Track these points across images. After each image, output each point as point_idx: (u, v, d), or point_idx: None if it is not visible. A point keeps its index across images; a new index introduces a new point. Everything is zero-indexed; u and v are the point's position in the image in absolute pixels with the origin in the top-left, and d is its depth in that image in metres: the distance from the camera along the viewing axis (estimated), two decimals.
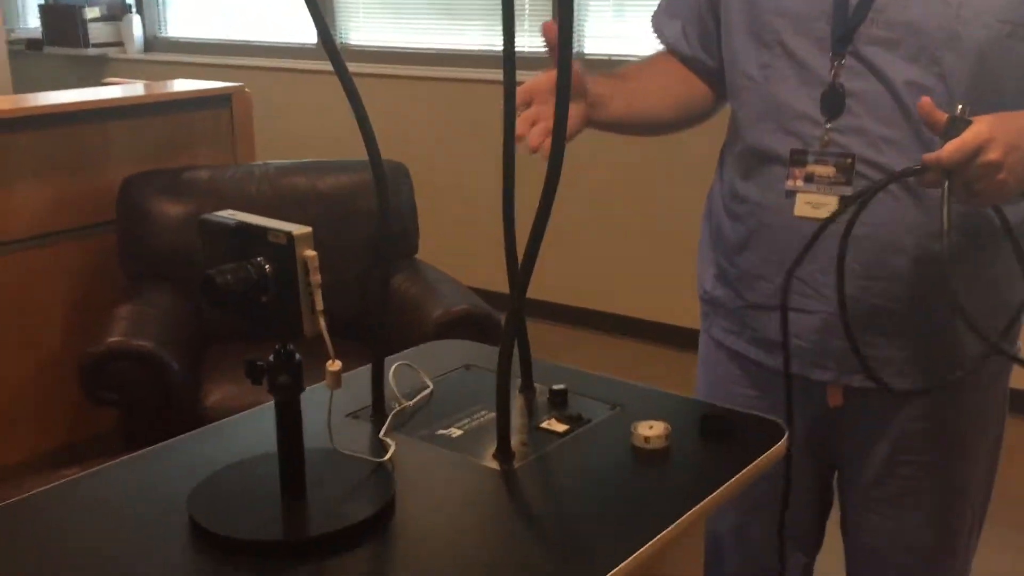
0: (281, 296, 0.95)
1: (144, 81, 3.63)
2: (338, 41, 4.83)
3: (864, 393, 1.41)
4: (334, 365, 0.97)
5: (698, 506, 1.05)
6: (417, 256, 3.06)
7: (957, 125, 1.16)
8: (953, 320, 1.34)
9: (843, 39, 1.32)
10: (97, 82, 3.92)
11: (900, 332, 1.37)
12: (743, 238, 1.46)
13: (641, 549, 0.96)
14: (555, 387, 1.29)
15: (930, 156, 1.17)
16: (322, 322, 0.95)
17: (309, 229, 0.93)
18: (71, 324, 2.91)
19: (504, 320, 1.15)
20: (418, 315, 2.66)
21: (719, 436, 1.20)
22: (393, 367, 1.36)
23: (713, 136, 1.61)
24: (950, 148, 1.15)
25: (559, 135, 1.02)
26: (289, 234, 0.93)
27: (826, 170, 1.34)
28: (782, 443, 1.21)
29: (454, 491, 1.08)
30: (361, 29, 4.82)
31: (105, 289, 2.88)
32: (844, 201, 1.32)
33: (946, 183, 1.17)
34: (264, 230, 0.95)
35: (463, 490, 1.08)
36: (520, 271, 1.11)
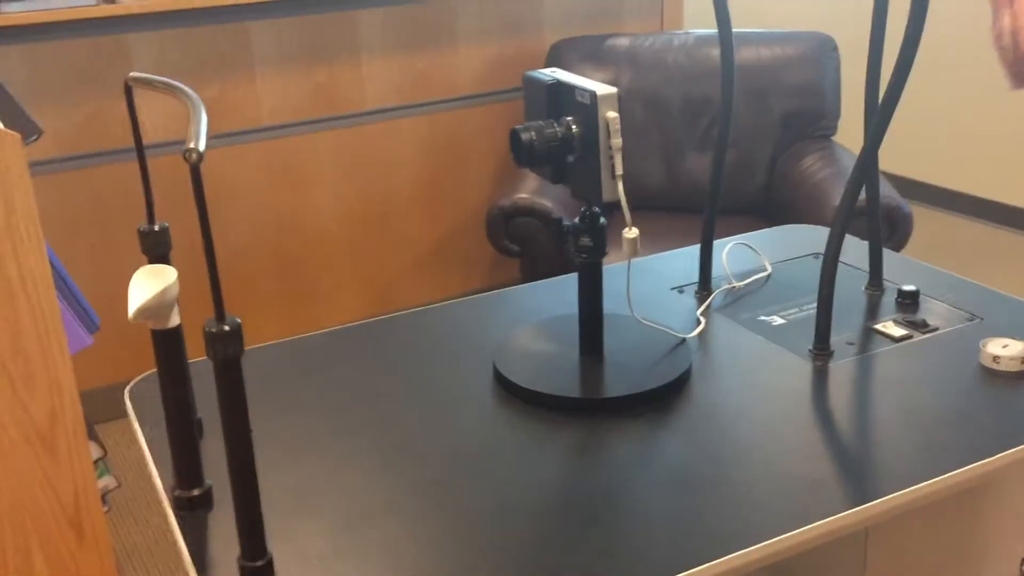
0: (585, 157, 0.94)
1: None
2: None
3: None
4: (631, 232, 0.95)
5: None
6: (836, 138, 2.86)
7: None
8: None
9: None
10: None
11: None
12: None
13: (940, 477, 0.84)
14: (905, 287, 1.15)
15: None
16: (620, 187, 0.92)
17: (614, 90, 0.91)
18: (493, 179, 3.15)
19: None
20: (819, 200, 2.50)
21: None
22: (730, 246, 1.30)
23: None
24: None
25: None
26: (593, 93, 0.91)
27: None
28: None
29: (754, 379, 1.02)
30: None
31: None
32: None
33: None
34: (574, 89, 0.94)
35: (764, 380, 1.02)
36: (870, 140, 1.00)
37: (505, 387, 1.02)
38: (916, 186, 3.88)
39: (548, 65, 3.02)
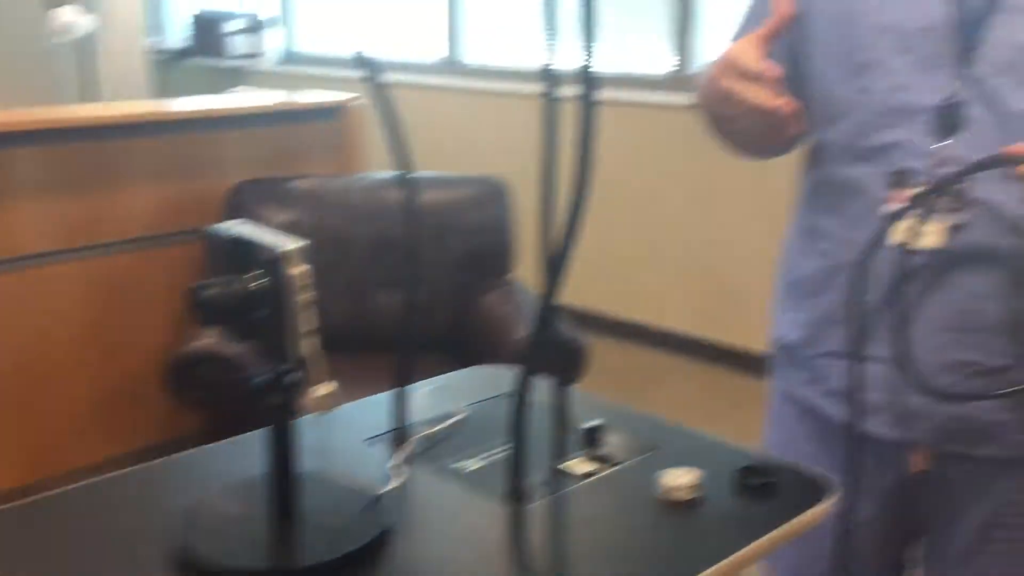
0: (273, 314, 0.91)
1: (263, 90, 3.73)
2: (459, 59, 4.86)
3: (954, 458, 1.28)
4: (323, 389, 0.92)
5: (715, 567, 0.95)
6: (514, 274, 3.02)
7: None
8: None
9: (955, 58, 1.20)
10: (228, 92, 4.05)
11: (1000, 388, 1.23)
12: (824, 277, 1.35)
13: None
14: (588, 423, 1.21)
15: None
16: (311, 343, 0.90)
17: (302, 244, 0.89)
18: (172, 325, 3.00)
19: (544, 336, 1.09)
20: (503, 336, 2.61)
21: (758, 490, 1.10)
22: (425, 390, 1.31)
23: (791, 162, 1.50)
24: None
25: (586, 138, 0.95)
26: (279, 248, 0.89)
27: None
28: (829, 502, 1.10)
29: (454, 529, 1.01)
30: (487, 47, 4.83)
31: None
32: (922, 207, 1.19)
33: None
34: (258, 244, 0.92)
35: (463, 529, 1.01)
36: (547, 295, 1.05)
37: (190, 564, 0.94)
38: (587, 316, 4.17)
39: (230, 206, 2.96)
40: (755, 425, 1.53)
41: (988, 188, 1.18)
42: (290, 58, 5.75)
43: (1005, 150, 1.11)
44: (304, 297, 0.89)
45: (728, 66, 1.26)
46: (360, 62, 1.06)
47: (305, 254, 0.89)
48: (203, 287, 0.90)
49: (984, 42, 1.18)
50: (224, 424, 2.54)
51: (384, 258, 2.91)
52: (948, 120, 1.21)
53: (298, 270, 0.89)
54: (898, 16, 1.24)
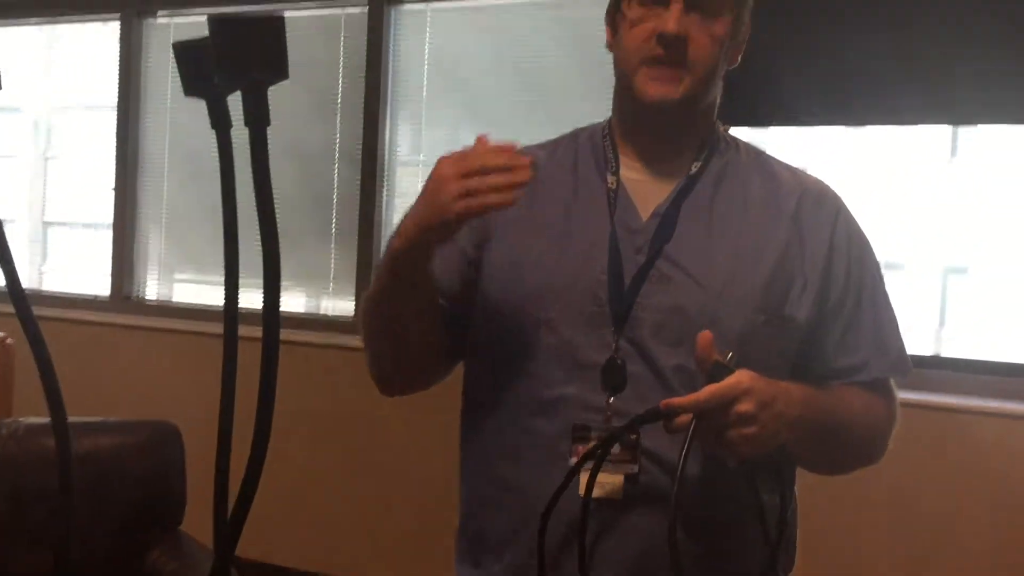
0: None
1: None
2: (134, 294, 4.65)
3: None
4: None
5: None
6: (183, 527, 2.77)
7: (720, 371, 1.18)
8: None
9: (614, 320, 1.30)
10: None
11: None
12: (513, 528, 1.34)
13: None
14: None
15: (681, 399, 1.17)
16: None
17: None
18: None
19: None
20: None
21: None
22: None
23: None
24: (707, 391, 1.16)
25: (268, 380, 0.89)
26: None
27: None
28: None
29: None
30: (164, 283, 4.67)
31: None
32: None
33: (692, 424, 1.16)
34: None
35: None
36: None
37: None
38: (264, 569, 3.89)
39: None
40: None
41: (654, 439, 1.26)
42: None
43: (663, 403, 1.20)
44: None
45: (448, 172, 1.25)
46: (10, 293, 0.95)
47: None
48: None
49: (637, 307, 1.30)
50: None
51: (29, 514, 2.57)
52: (613, 377, 1.30)
53: None
54: (563, 279, 1.33)
